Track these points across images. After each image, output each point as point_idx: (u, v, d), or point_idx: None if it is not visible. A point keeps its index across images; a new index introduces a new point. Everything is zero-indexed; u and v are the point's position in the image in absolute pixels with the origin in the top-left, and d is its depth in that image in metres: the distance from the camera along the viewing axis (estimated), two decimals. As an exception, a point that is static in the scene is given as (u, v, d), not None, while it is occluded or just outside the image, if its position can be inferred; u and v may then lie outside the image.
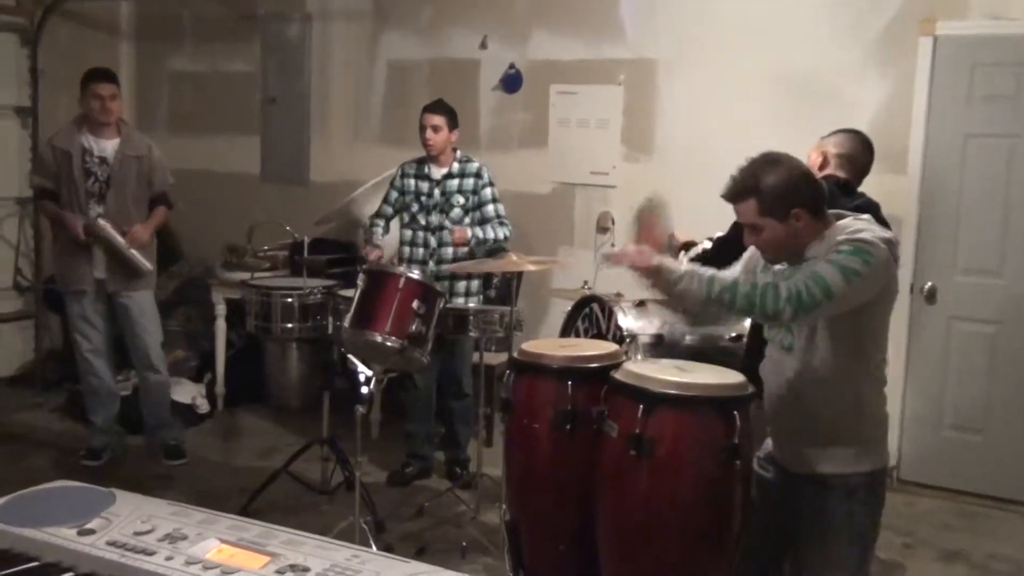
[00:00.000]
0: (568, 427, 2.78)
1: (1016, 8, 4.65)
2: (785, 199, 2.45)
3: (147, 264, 4.92)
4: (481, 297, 4.95)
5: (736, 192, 2.51)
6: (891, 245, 2.45)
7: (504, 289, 5.18)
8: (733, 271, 2.77)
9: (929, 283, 4.85)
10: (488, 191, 4.82)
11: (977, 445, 4.85)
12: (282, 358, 6.08)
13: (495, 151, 5.81)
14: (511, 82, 5.81)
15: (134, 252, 4.86)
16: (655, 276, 2.47)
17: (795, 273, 2.43)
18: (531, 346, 3.04)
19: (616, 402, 2.60)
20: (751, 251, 2.76)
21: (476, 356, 4.73)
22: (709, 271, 2.46)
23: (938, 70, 4.80)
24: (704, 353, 3.53)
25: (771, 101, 5.08)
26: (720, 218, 3.77)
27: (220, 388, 6.00)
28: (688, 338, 3.90)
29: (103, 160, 4.87)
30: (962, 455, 4.88)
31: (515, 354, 3.04)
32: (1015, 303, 4.73)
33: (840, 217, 2.56)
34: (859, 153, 3.69)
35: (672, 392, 2.50)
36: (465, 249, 4.77)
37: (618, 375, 2.64)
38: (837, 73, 4.96)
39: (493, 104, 5.89)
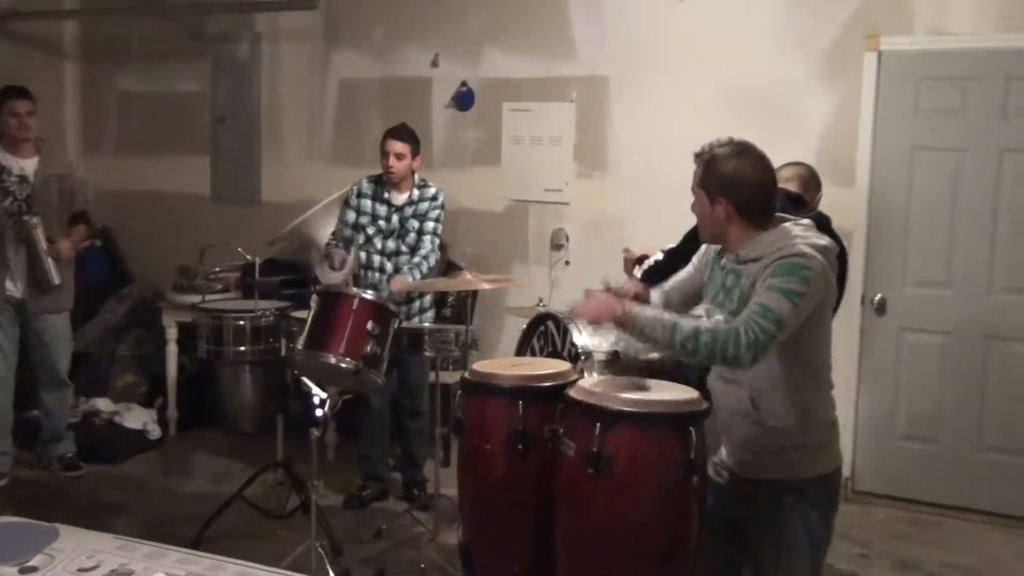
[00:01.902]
0: (520, 447, 2.76)
1: (958, 24, 4.74)
2: (717, 185, 2.52)
3: (56, 277, 4.83)
4: (433, 313, 4.91)
5: (700, 153, 2.60)
6: (826, 252, 2.48)
7: (459, 308, 5.17)
8: (686, 271, 2.82)
9: (879, 295, 4.91)
10: (435, 214, 4.77)
11: (930, 454, 4.90)
12: (235, 381, 5.99)
13: (448, 169, 5.80)
14: (463, 100, 5.81)
15: (50, 262, 4.80)
16: (619, 322, 2.50)
17: (742, 310, 2.44)
18: (482, 366, 3.02)
19: (572, 420, 2.59)
20: (702, 251, 2.78)
21: (432, 375, 4.70)
22: (672, 318, 2.46)
23: (884, 85, 4.87)
24: (660, 368, 3.53)
25: (722, 116, 5.10)
26: (673, 232, 3.80)
27: (172, 413, 5.90)
28: (644, 354, 3.89)
29: (23, 179, 4.83)
30: (915, 465, 4.93)
31: (466, 374, 3.02)
32: (963, 313, 4.81)
33: (783, 220, 2.59)
34: (804, 179, 3.78)
35: (629, 410, 2.50)
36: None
37: (573, 393, 2.63)
38: (786, 88, 5.02)
39: (446, 122, 5.88)
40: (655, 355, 3.95)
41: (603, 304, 2.54)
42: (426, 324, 4.68)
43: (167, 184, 6.65)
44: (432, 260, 4.75)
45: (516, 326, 4.87)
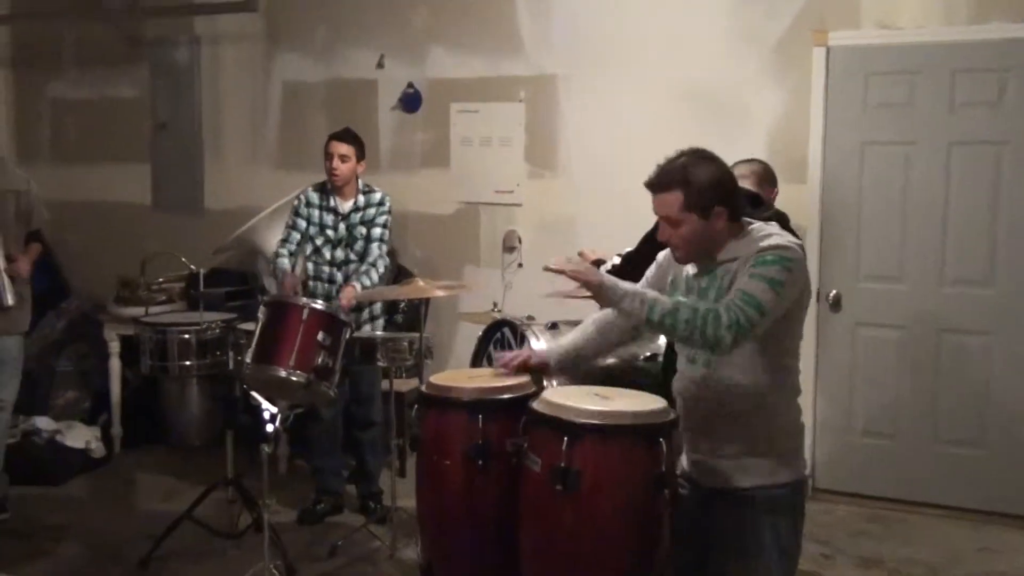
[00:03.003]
0: (481, 462, 2.66)
1: (905, 18, 4.74)
2: (711, 195, 2.43)
3: (10, 297, 4.50)
4: (384, 320, 4.80)
5: (663, 182, 2.46)
6: (801, 249, 2.47)
7: (412, 314, 5.06)
8: (641, 284, 2.74)
9: (834, 291, 4.90)
10: (382, 219, 4.67)
11: (887, 450, 4.90)
12: (181, 395, 5.82)
13: (397, 172, 5.69)
14: (410, 101, 5.70)
15: (7, 281, 4.50)
16: (597, 292, 2.40)
17: (722, 295, 2.39)
18: (439, 378, 2.92)
19: (538, 434, 2.50)
20: (660, 259, 2.71)
21: (386, 383, 4.58)
22: (652, 293, 2.40)
23: (833, 79, 4.86)
24: (619, 374, 3.46)
25: (673, 113, 5.08)
26: (626, 231, 3.74)
27: (117, 429, 5.71)
28: (602, 360, 3.82)
29: None
30: (874, 461, 4.92)
31: (422, 388, 2.92)
32: (917, 307, 4.81)
33: (748, 222, 2.54)
34: (760, 175, 3.76)
35: (597, 422, 2.41)
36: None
37: (537, 406, 2.54)
38: (736, 84, 4.99)
39: (393, 124, 5.77)
40: (611, 361, 3.90)
41: (583, 265, 2.44)
42: (378, 333, 4.57)
43: (106, 193, 6.46)
44: (381, 267, 4.65)
45: (471, 331, 4.78)
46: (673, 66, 5.09)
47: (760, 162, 3.93)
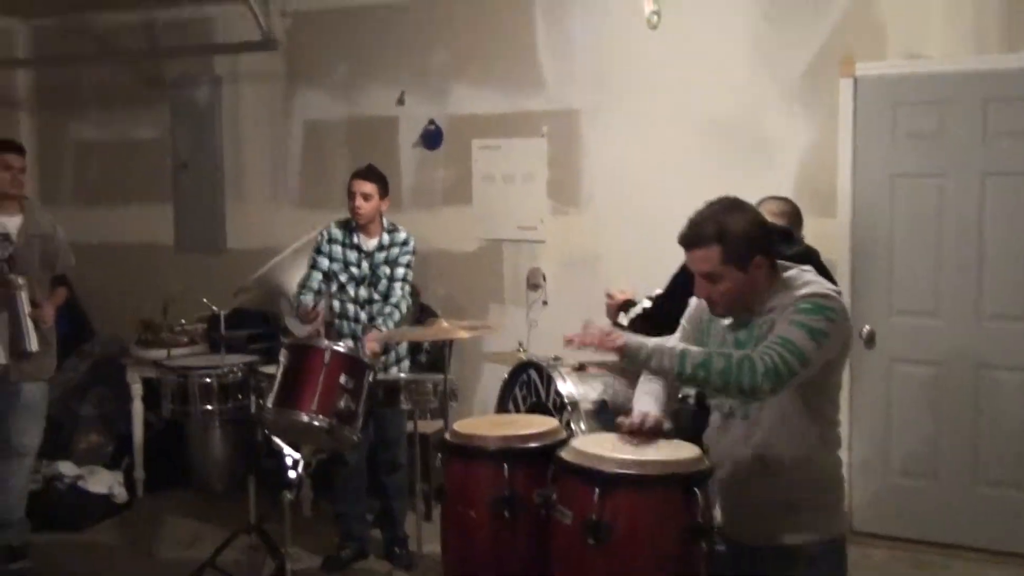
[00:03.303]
0: (507, 513, 2.57)
1: (933, 47, 4.65)
2: (749, 246, 2.34)
3: (34, 343, 4.47)
4: (409, 360, 4.72)
5: (698, 237, 2.37)
6: (841, 297, 2.39)
7: (435, 354, 4.99)
8: (676, 338, 2.64)
9: (867, 327, 4.77)
10: (405, 259, 4.62)
11: (926, 491, 4.74)
12: (204, 439, 5.74)
13: (418, 210, 5.64)
14: (431, 138, 5.66)
15: (31, 326, 4.47)
16: (621, 356, 2.31)
17: (759, 342, 2.30)
18: (463, 426, 2.84)
19: (567, 485, 2.40)
20: (693, 307, 2.62)
21: (410, 425, 4.50)
22: (679, 346, 2.32)
23: (861, 111, 4.77)
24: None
25: (698, 147, 5.00)
26: (653, 267, 3.64)
27: (139, 474, 5.65)
28: (632, 404, 3.72)
29: (5, 237, 4.54)
30: (912, 502, 4.77)
31: (446, 435, 2.83)
32: (953, 343, 4.67)
33: (784, 268, 2.45)
34: (791, 215, 3.69)
35: (630, 472, 2.31)
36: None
37: (566, 455, 2.45)
38: (762, 117, 4.91)
39: (414, 161, 5.73)
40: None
41: (604, 332, 2.33)
42: (402, 375, 4.49)
43: (128, 234, 6.47)
44: (404, 307, 4.58)
45: (496, 372, 4.69)
46: (698, 98, 5.02)
47: (790, 202, 3.85)
